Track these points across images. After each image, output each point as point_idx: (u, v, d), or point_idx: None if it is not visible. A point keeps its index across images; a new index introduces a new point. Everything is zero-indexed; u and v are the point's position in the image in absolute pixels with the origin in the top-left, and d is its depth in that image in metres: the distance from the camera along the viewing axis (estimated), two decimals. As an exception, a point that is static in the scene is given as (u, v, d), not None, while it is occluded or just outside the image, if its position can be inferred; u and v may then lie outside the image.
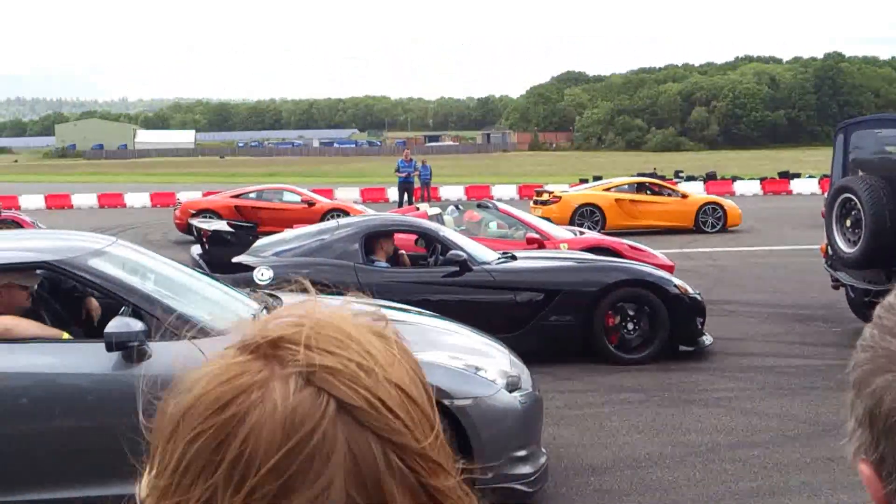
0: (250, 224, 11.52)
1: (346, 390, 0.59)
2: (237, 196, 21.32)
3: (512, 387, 4.77)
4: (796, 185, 36.97)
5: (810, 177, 38.83)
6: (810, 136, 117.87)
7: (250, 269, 7.88)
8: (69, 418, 4.15)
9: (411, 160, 27.40)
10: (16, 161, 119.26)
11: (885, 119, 11.14)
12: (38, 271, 4.76)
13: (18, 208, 28.11)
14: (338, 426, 0.58)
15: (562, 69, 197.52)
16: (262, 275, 7.76)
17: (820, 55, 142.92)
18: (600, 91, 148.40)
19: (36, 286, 4.88)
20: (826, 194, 10.11)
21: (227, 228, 9.27)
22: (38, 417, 4.14)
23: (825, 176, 29.27)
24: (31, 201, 32.92)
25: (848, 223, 9.10)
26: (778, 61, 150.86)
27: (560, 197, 20.87)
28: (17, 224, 18.62)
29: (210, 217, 16.87)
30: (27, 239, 5.37)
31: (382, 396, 0.60)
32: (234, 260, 8.10)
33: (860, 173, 9.41)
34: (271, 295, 5.50)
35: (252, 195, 21.35)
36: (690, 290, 8.24)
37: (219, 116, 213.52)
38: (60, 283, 5.38)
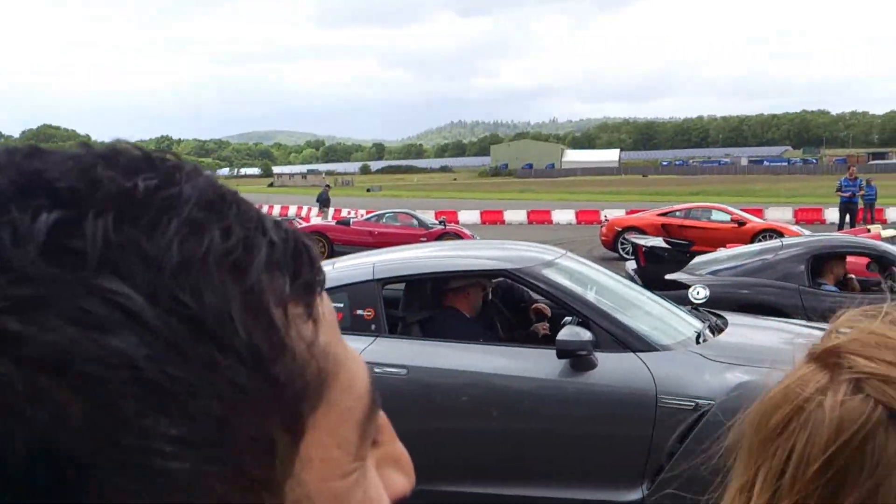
0: (686, 242, 11.44)
1: None
2: (664, 214, 21.32)
3: None
4: None
5: None
6: None
7: (685, 286, 7.82)
8: (508, 419, 4.32)
9: (856, 178, 25.27)
10: (455, 179, 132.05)
11: None
12: (497, 279, 5.20)
13: (457, 222, 31.00)
14: (890, 433, 0.59)
15: None
16: (698, 293, 7.65)
17: None
18: None
19: (490, 290, 5.35)
20: None
21: (663, 245, 9.32)
22: (477, 415, 4.35)
23: None
24: (468, 216, 36.06)
25: None
26: None
27: None
28: (457, 236, 20.56)
29: (637, 234, 17.08)
30: (487, 249, 5.87)
31: None
32: (669, 277, 8.11)
33: None
34: (715, 314, 5.41)
35: (679, 213, 21.18)
36: None
37: (644, 135, 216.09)
38: (512, 290, 5.81)
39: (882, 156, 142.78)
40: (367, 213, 25.15)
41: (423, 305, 5.08)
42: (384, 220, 22.12)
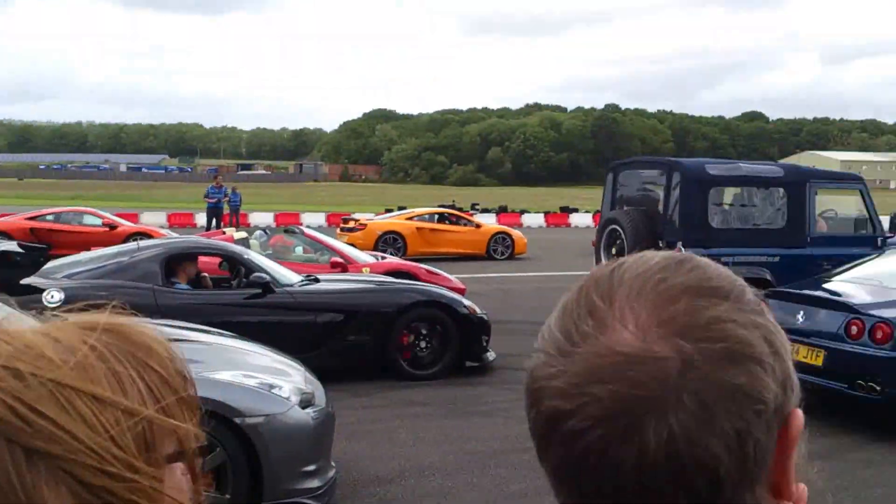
0: (43, 245, 10.75)
1: None
2: (33, 218, 19.88)
3: (305, 403, 4.72)
4: (574, 219, 40.71)
5: (586, 212, 42.55)
6: (588, 176, 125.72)
7: (40, 291, 7.35)
8: None
9: (221, 186, 26.68)
10: None
11: (647, 161, 12.19)
12: None
13: None
14: None
15: (373, 106, 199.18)
16: (52, 297, 7.26)
17: (601, 106, 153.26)
18: (409, 128, 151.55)
19: None
20: (597, 226, 10.80)
21: (17, 249, 8.60)
22: None
23: (598, 211, 31.32)
24: None
25: (613, 251, 9.80)
26: (563, 110, 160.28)
27: (365, 225, 21.10)
28: None
29: (0, 239, 15.62)
30: None
31: (30, 400, 0.59)
32: (23, 282, 7.53)
33: (625, 208, 10.16)
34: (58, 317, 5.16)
35: (49, 217, 19.98)
36: (478, 311, 8.51)
37: (20, 138, 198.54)
38: None
39: (248, 167, 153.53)
40: None
41: None
42: None
